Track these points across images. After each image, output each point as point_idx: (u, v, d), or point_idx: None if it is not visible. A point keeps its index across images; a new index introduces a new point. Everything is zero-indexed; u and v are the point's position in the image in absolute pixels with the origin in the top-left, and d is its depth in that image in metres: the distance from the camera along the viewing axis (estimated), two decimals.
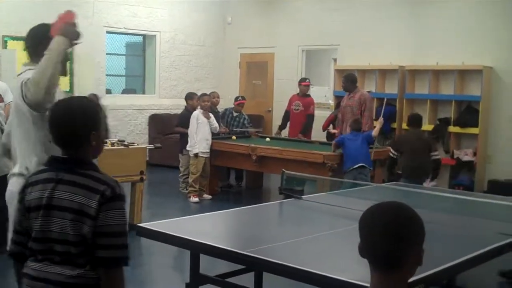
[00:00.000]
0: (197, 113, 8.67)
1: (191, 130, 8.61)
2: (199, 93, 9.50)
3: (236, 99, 9.95)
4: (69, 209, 2.18)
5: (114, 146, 7.41)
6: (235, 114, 9.79)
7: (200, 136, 8.59)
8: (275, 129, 10.89)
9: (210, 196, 8.86)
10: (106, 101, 11.06)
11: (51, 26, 3.28)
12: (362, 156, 7.42)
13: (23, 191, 2.32)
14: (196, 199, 8.58)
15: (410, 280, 2.56)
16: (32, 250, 2.27)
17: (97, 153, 2.38)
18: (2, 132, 3.52)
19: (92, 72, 10.67)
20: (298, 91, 10.12)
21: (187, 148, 8.69)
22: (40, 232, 2.22)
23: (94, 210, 2.16)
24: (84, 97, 2.52)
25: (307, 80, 10.17)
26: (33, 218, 2.24)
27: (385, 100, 8.46)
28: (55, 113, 2.30)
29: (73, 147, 2.27)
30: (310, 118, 9.89)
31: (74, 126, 2.25)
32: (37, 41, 3.34)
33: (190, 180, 8.69)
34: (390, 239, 1.69)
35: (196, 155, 8.59)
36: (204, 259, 3.58)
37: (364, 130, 7.79)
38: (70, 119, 2.26)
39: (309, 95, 10.14)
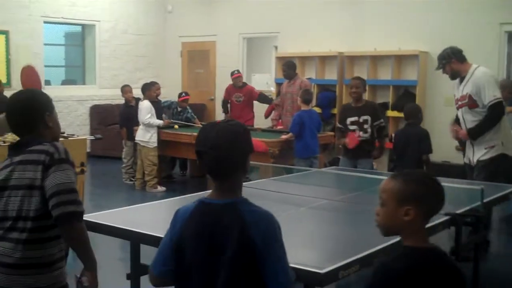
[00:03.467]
0: (150, 104, 8.73)
1: (152, 121, 8.67)
2: (140, 83, 9.42)
3: (180, 95, 9.73)
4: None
5: None
6: (179, 109, 9.64)
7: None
8: (218, 117, 10.88)
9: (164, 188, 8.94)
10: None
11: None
12: (317, 145, 7.54)
13: None
14: (164, 188, 8.83)
15: (347, 261, 2.69)
16: None
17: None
18: None
19: (30, 64, 10.43)
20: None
21: (146, 139, 8.71)
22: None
23: (40, 180, 2.43)
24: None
25: (236, 72, 10.19)
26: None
27: None
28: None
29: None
30: (262, 96, 10.09)
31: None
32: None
33: (150, 171, 8.76)
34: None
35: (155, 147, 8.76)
36: (147, 249, 3.57)
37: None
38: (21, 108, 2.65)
39: (245, 84, 10.22)
